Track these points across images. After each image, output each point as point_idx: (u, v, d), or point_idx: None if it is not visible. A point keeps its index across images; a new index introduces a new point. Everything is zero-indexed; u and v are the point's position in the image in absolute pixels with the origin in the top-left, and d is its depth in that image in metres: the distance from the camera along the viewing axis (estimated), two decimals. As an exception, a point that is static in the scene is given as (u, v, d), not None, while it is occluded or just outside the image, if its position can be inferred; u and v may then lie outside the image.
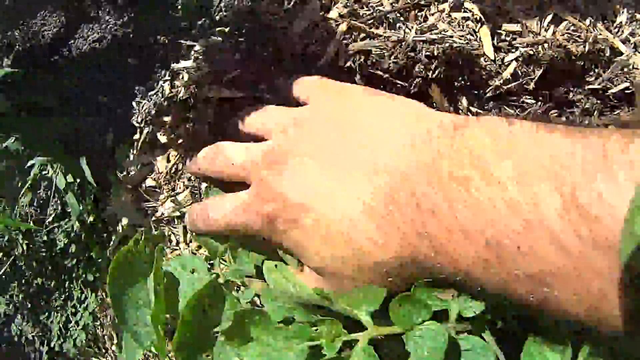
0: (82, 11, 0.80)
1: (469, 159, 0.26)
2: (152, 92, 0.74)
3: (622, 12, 0.55)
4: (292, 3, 0.58)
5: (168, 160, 0.65)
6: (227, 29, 0.61)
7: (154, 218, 0.65)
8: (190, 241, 0.64)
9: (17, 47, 0.80)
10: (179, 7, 0.74)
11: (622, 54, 0.52)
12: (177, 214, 0.64)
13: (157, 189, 0.66)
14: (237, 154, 0.41)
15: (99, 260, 0.75)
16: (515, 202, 0.24)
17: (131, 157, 0.68)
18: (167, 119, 0.67)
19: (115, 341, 0.76)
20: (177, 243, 0.66)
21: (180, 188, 0.64)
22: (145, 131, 0.71)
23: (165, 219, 0.65)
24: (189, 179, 0.64)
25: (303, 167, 0.35)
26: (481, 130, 0.28)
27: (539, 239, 0.23)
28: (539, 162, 0.24)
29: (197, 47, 0.63)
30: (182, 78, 0.66)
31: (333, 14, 0.54)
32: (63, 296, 0.77)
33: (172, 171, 0.64)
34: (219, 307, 0.40)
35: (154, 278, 0.39)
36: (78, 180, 0.73)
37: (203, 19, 0.67)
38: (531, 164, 0.24)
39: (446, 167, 0.27)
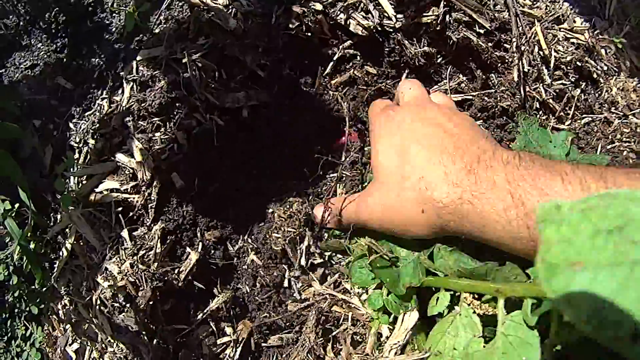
0: (14, 39, 0.80)
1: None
2: (89, 112, 0.74)
3: None
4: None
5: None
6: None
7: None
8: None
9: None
10: (114, 29, 0.77)
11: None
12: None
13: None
14: None
15: (44, 289, 0.71)
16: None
17: (75, 170, 0.67)
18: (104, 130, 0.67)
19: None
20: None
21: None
22: (84, 150, 0.71)
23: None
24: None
25: None
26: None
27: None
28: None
29: (139, 57, 0.65)
30: (123, 92, 0.67)
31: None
32: (6, 337, 0.71)
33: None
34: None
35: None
36: (16, 206, 0.70)
37: (141, 35, 0.70)
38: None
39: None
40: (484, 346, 0.43)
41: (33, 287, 0.73)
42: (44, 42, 0.79)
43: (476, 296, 0.48)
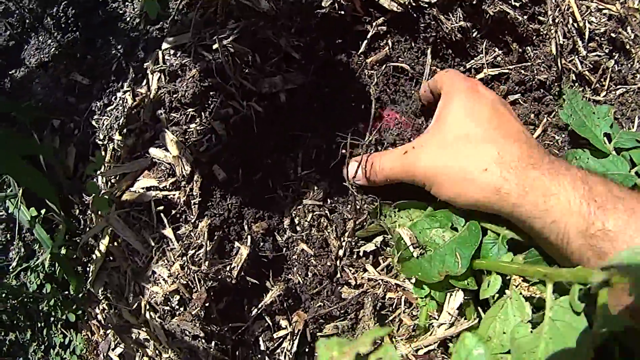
0: (21, 37, 0.75)
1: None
2: (111, 107, 0.71)
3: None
4: None
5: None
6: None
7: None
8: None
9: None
10: (128, 18, 0.73)
11: None
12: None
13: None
14: None
15: (80, 296, 0.68)
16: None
17: (105, 169, 0.63)
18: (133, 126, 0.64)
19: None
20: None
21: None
22: (110, 147, 0.68)
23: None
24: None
25: None
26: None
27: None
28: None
29: (165, 46, 0.61)
30: (150, 82, 0.64)
31: None
32: (43, 346, 0.68)
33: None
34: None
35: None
36: (43, 212, 0.67)
37: (161, 23, 0.66)
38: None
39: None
40: (531, 331, 0.43)
41: (67, 292, 0.70)
42: (54, 38, 0.75)
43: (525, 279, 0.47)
